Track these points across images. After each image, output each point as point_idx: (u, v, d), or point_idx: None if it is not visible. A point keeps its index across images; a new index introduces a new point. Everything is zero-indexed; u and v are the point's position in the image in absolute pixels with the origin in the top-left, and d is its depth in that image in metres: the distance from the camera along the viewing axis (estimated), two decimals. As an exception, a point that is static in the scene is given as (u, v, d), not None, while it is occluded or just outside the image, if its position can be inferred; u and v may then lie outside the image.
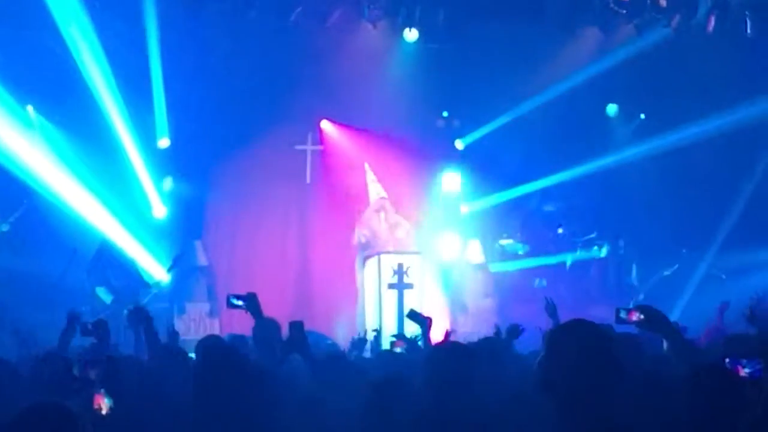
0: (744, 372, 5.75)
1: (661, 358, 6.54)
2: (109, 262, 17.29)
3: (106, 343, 9.35)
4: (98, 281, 17.04)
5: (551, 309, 10.54)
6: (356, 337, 11.63)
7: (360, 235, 17.88)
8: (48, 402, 4.74)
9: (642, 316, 6.38)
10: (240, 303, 8.10)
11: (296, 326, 7.51)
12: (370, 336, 11.95)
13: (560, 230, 19.42)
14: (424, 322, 9.32)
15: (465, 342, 7.24)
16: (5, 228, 17.10)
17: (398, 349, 9.55)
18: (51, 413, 4.64)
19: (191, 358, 7.98)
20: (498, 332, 9.93)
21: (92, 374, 7.58)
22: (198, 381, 5.82)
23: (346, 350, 10.62)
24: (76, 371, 7.83)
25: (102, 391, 5.99)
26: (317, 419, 5.84)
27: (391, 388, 5.83)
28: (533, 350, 8.65)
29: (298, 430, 5.71)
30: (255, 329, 8.37)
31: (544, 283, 18.74)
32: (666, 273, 18.50)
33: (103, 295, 16.90)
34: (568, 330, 4.60)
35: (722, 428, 5.23)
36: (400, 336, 10.25)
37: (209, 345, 8.13)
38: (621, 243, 19.08)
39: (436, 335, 9.72)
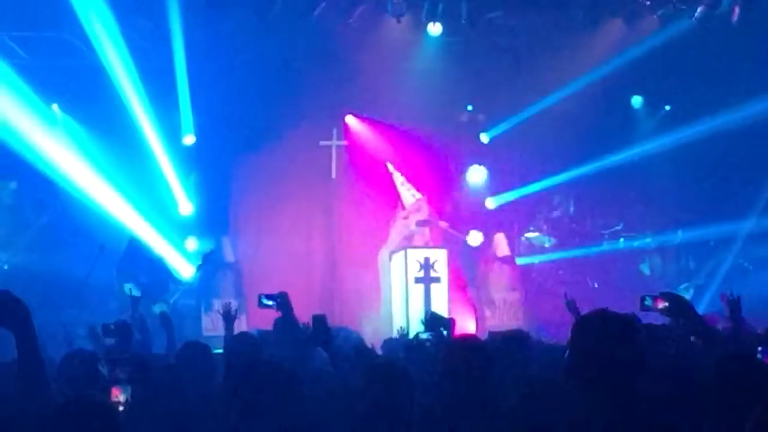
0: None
1: (686, 347, 6.53)
2: (138, 259, 17.35)
3: (128, 343, 9.45)
4: (127, 278, 17.09)
5: (571, 305, 10.53)
6: (396, 333, 11.71)
7: (395, 235, 17.90)
8: (86, 396, 4.76)
9: (667, 304, 6.38)
10: (271, 303, 8.08)
11: (319, 320, 7.51)
12: (396, 334, 11.99)
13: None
14: (448, 324, 9.22)
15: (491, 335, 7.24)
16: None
17: (425, 336, 9.47)
18: (90, 407, 4.67)
19: (215, 354, 8.04)
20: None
21: (121, 374, 7.65)
22: (227, 378, 5.82)
23: (375, 345, 10.61)
24: (104, 370, 7.91)
25: (120, 385, 6.04)
26: (341, 413, 5.85)
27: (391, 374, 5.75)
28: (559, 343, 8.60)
29: (323, 425, 5.71)
30: (277, 325, 8.40)
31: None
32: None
33: (132, 291, 16.96)
34: (591, 320, 4.60)
35: (748, 417, 5.20)
36: (427, 330, 10.17)
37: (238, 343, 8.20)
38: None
39: (466, 329, 9.67)
